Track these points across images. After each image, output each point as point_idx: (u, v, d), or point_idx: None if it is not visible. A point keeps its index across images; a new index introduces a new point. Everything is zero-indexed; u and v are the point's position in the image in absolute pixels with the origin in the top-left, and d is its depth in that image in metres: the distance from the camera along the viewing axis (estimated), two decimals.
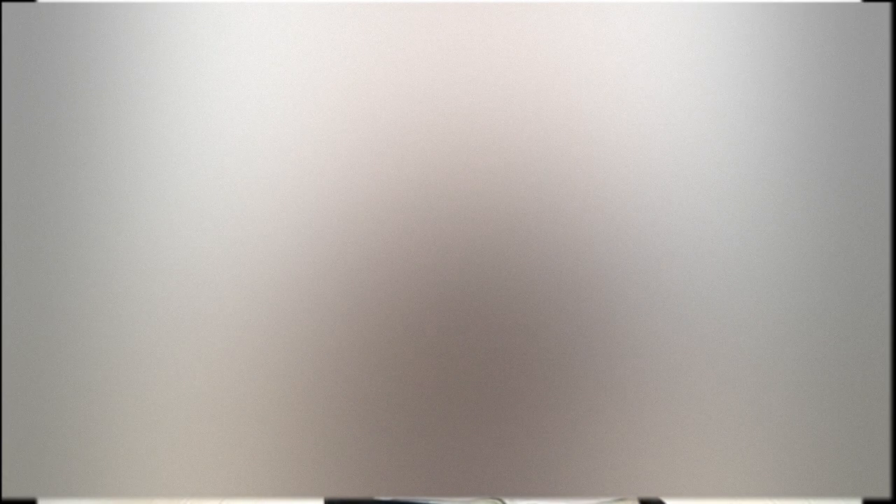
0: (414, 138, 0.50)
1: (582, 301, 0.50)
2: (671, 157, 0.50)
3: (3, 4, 0.50)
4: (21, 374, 0.50)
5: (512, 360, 0.50)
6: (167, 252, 0.50)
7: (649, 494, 0.51)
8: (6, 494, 0.50)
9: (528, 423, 0.50)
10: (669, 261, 0.50)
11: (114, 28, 0.50)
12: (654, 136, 0.50)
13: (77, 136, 0.50)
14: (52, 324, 0.49)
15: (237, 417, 0.50)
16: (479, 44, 0.50)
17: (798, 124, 0.50)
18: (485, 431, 0.50)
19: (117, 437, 0.50)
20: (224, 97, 0.50)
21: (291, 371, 0.50)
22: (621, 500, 0.58)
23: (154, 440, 0.50)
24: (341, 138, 0.50)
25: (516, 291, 0.50)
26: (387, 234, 0.50)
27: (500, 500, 0.57)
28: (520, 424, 0.50)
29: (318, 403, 0.50)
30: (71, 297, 0.49)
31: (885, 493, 0.51)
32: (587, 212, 0.50)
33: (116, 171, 0.50)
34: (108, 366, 0.50)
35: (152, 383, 0.50)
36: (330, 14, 0.50)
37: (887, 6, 0.50)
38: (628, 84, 0.50)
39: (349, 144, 0.50)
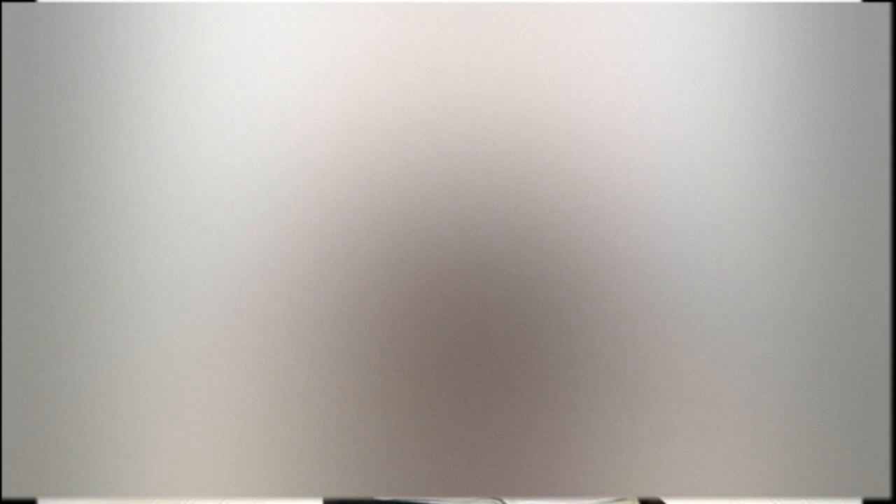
0: (413, 138, 0.50)
1: (582, 301, 0.50)
2: (671, 157, 0.50)
3: (3, 4, 0.50)
4: (21, 374, 0.50)
5: (512, 359, 0.50)
6: (167, 252, 0.50)
7: (649, 494, 0.51)
8: (6, 494, 0.50)
9: (528, 423, 0.50)
10: (669, 260, 0.50)
11: (114, 28, 0.50)
12: (654, 135, 0.50)
13: (77, 136, 0.50)
14: (52, 324, 0.49)
15: (236, 417, 0.50)
16: (479, 44, 0.50)
17: (798, 124, 0.50)
18: (485, 431, 0.50)
19: (117, 437, 0.50)
20: (224, 97, 0.50)
21: (291, 371, 0.50)
22: (621, 500, 0.58)
23: (154, 440, 0.50)
24: (341, 138, 0.50)
25: (516, 291, 0.50)
26: (386, 233, 0.50)
27: (500, 500, 0.57)
28: (520, 424, 0.50)
29: (318, 403, 0.50)
30: (71, 297, 0.49)
31: (885, 493, 0.51)
32: (587, 211, 0.50)
33: (117, 171, 0.50)
34: (107, 366, 0.50)
35: (152, 383, 0.50)
36: (330, 14, 0.50)
37: (887, 6, 0.50)
38: (628, 84, 0.50)
39: (349, 144, 0.50)
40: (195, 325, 0.49)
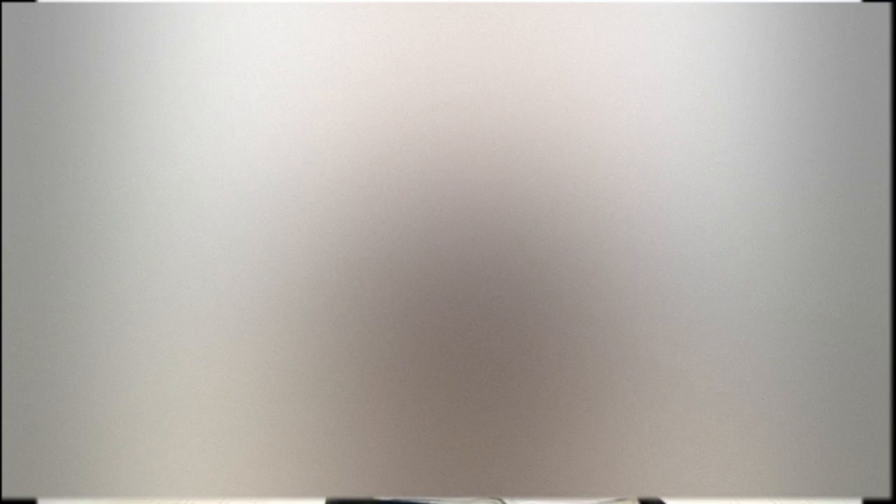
0: (414, 138, 0.50)
1: (582, 301, 0.50)
2: (671, 157, 0.50)
3: (3, 4, 0.50)
4: (21, 374, 0.50)
5: (512, 359, 0.50)
6: (167, 252, 0.50)
7: (649, 494, 0.51)
8: (6, 494, 0.50)
9: (528, 423, 0.50)
10: (669, 261, 0.50)
11: (114, 28, 0.50)
12: (654, 135, 0.50)
13: (77, 136, 0.50)
14: (53, 324, 0.49)
15: (237, 417, 0.50)
16: (479, 44, 0.50)
17: (798, 124, 0.50)
18: (485, 431, 0.50)
19: (117, 437, 0.50)
20: (224, 97, 0.50)
21: (292, 371, 0.50)
22: (621, 500, 0.58)
23: (154, 440, 0.50)
24: (342, 138, 0.50)
25: (516, 291, 0.50)
26: (387, 233, 0.50)
27: (500, 500, 0.57)
28: (520, 424, 0.50)
29: (319, 403, 0.50)
30: (71, 296, 0.49)
31: (885, 493, 0.51)
32: (587, 211, 0.50)
33: (117, 170, 0.50)
34: (108, 365, 0.50)
35: (152, 383, 0.50)
36: (330, 14, 0.50)
37: (887, 6, 0.50)
38: (628, 84, 0.50)
39: (349, 144, 0.50)
40: (195, 324, 0.49)
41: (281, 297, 0.50)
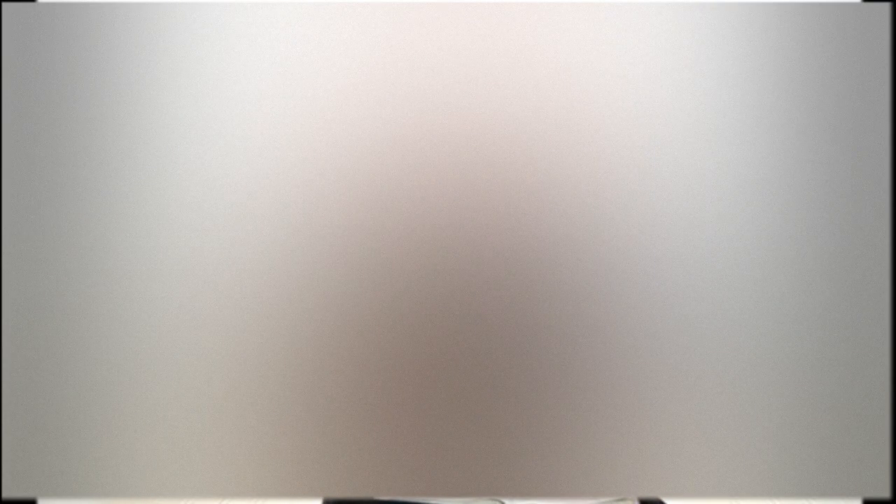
0: (413, 138, 0.50)
1: (582, 301, 0.50)
2: (671, 157, 0.50)
3: (3, 4, 0.50)
4: (21, 374, 0.50)
5: (512, 359, 0.50)
6: (167, 252, 0.50)
7: (649, 494, 0.51)
8: (6, 494, 0.50)
9: (528, 423, 0.50)
10: (669, 261, 0.50)
11: (114, 28, 0.50)
12: (654, 135, 0.50)
13: (77, 136, 0.50)
14: (53, 324, 0.49)
15: (237, 417, 0.50)
16: (479, 44, 0.50)
17: (798, 124, 0.50)
18: (485, 431, 0.50)
19: (117, 437, 0.50)
20: (224, 97, 0.50)
21: (291, 371, 0.50)
22: (621, 500, 0.58)
23: (154, 440, 0.50)
24: (341, 138, 0.50)
25: (516, 291, 0.50)
26: (387, 233, 0.50)
27: (499, 500, 0.57)
28: (520, 424, 0.50)
29: (318, 403, 0.50)
30: (71, 296, 0.49)
31: (885, 493, 0.51)
32: (587, 211, 0.50)
33: (116, 170, 0.50)
34: (107, 365, 0.50)
35: (152, 383, 0.50)
36: (330, 14, 0.50)
37: (887, 6, 0.50)
38: (628, 84, 0.50)
39: (349, 145, 0.50)
40: (196, 325, 0.50)
41: (280, 297, 0.50)
